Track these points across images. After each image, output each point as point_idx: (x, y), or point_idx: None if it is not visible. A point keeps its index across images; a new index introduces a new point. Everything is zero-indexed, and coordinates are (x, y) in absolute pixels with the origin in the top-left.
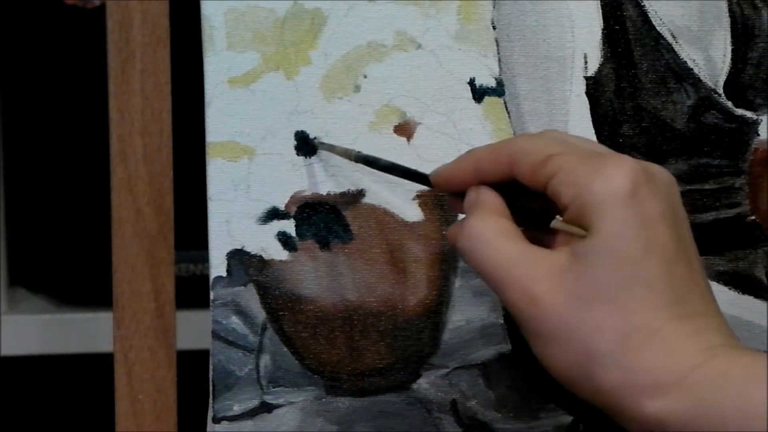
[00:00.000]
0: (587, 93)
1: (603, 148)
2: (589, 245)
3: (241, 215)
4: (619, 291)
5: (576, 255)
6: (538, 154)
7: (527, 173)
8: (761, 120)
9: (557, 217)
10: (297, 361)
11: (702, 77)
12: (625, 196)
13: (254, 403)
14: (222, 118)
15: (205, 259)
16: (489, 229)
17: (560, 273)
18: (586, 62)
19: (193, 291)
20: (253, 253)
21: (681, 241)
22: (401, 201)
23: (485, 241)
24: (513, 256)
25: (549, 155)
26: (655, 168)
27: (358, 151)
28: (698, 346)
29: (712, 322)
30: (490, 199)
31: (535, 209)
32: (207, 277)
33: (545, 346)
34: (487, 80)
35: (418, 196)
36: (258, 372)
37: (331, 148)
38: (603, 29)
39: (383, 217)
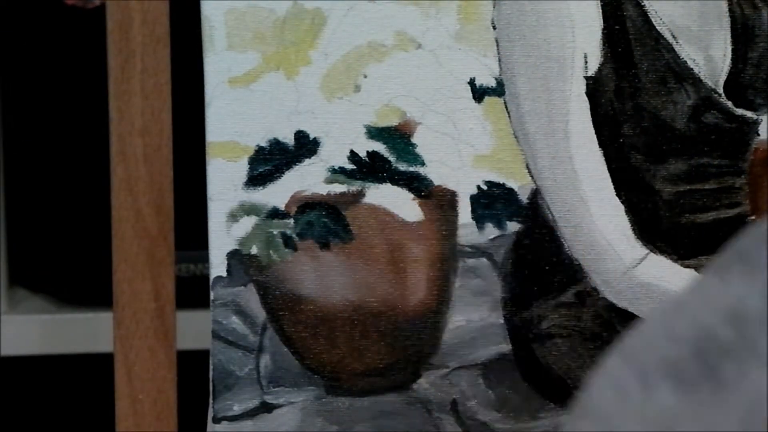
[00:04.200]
0: (587, 93)
1: None
2: None
3: (241, 215)
4: None
5: None
6: None
7: None
8: (761, 120)
9: None
10: (297, 361)
11: (702, 77)
12: None
13: (254, 403)
14: (222, 118)
15: (205, 259)
16: None
17: None
18: (586, 62)
19: (193, 291)
20: (253, 253)
21: None
22: (401, 201)
23: None
24: None
25: None
26: None
27: None
28: None
29: None
30: None
31: None
32: (207, 277)
33: None
34: (487, 80)
35: (418, 197)
36: (258, 372)
37: None
38: (603, 29)
39: (383, 217)
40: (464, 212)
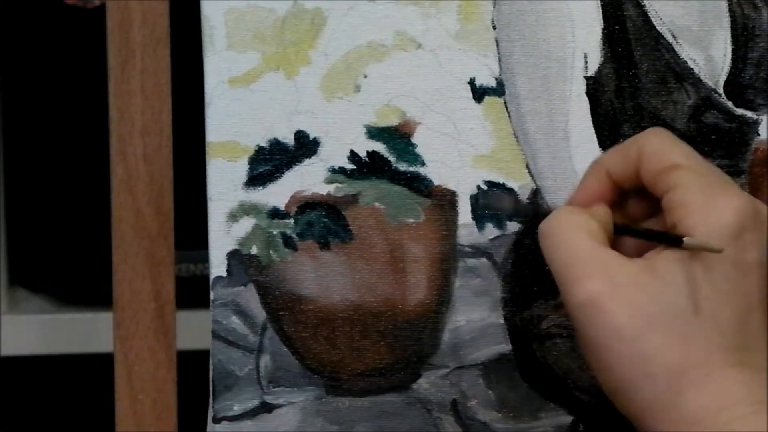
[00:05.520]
0: (587, 93)
1: (725, 176)
2: (675, 265)
3: (241, 215)
4: (689, 321)
5: (655, 271)
6: (665, 159)
7: (650, 175)
8: (761, 120)
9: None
10: (297, 361)
11: (702, 77)
12: (729, 234)
13: (254, 403)
14: (222, 118)
15: (205, 259)
16: (571, 222)
17: (634, 287)
18: (586, 62)
19: (193, 291)
20: (253, 253)
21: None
22: (401, 201)
23: (562, 231)
24: (585, 253)
25: (674, 165)
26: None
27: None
28: (750, 398)
29: None
30: (596, 206)
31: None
32: (207, 277)
33: (597, 356)
34: (487, 80)
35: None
36: (258, 372)
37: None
38: (603, 29)
39: (383, 217)
40: (464, 212)
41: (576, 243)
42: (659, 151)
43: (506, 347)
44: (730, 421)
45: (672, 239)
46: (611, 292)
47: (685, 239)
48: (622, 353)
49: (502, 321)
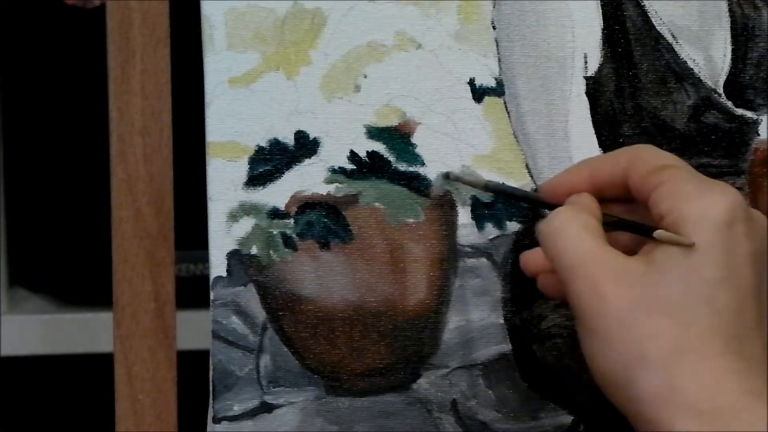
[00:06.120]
0: (587, 93)
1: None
2: (671, 257)
3: (241, 215)
4: (685, 308)
5: (653, 263)
6: (655, 161)
7: (639, 178)
8: (761, 120)
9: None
10: (297, 361)
11: (702, 77)
12: (721, 223)
13: (254, 403)
14: (222, 118)
15: (205, 259)
16: (573, 222)
17: (633, 278)
18: (586, 62)
19: (193, 291)
20: (253, 253)
21: (761, 287)
22: (401, 201)
23: (566, 231)
24: (590, 251)
25: (665, 165)
26: (756, 212)
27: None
28: (744, 387)
29: (766, 370)
30: (587, 200)
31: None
32: (207, 277)
33: (596, 343)
34: (487, 80)
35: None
36: (258, 372)
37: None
38: (603, 29)
39: (383, 217)
40: (464, 212)
41: (579, 243)
42: (650, 156)
43: (506, 347)
44: (725, 410)
45: (645, 230)
46: (613, 282)
47: (656, 232)
48: (620, 338)
49: (502, 321)
